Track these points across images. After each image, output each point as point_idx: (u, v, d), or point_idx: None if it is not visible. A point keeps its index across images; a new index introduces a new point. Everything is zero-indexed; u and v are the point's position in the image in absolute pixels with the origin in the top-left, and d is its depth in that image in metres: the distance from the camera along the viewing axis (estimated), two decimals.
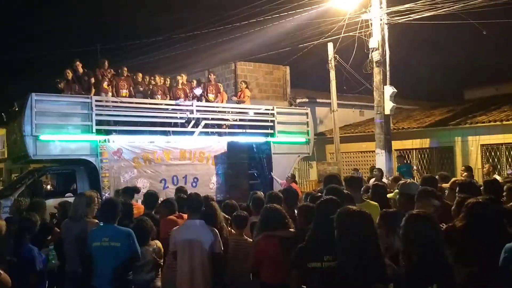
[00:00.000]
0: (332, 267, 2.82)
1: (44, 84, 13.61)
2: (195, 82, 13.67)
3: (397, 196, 5.59)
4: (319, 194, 6.07)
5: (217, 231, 5.02)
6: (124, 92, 12.05)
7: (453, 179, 7.57)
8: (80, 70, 11.77)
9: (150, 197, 6.73)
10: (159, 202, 6.79)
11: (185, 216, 5.61)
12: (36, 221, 5.15)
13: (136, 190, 7.95)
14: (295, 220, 4.64)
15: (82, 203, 5.27)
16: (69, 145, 10.75)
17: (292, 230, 4.34)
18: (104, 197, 10.30)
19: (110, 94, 11.80)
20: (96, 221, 5.34)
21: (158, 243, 5.38)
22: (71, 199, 6.82)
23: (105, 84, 11.74)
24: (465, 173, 9.34)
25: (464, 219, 3.71)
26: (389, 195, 6.63)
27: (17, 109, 11.20)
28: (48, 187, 14.41)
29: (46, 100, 10.66)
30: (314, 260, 3.41)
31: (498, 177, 9.93)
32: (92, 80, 11.61)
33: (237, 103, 14.05)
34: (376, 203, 5.64)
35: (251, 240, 4.99)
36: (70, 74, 11.58)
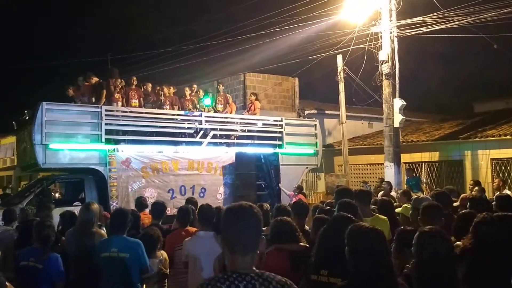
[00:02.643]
0: (342, 285, 2.78)
1: (55, 94, 13.72)
2: (201, 92, 13.74)
3: (410, 212, 5.50)
4: (328, 207, 6.03)
5: None
6: (134, 102, 12.13)
7: (462, 195, 7.45)
8: (93, 80, 11.89)
9: (158, 207, 6.68)
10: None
11: (191, 229, 5.57)
12: (52, 226, 5.15)
13: (145, 205, 7.99)
14: (304, 234, 4.60)
15: (92, 217, 5.21)
16: (78, 154, 10.81)
17: (302, 244, 4.29)
18: (112, 207, 10.35)
19: (120, 104, 11.88)
20: (103, 231, 5.32)
21: (164, 254, 5.35)
22: (77, 209, 6.81)
23: (116, 94, 11.83)
24: (476, 188, 9.23)
25: (472, 238, 3.62)
26: (397, 210, 6.54)
27: (27, 117, 11.29)
28: (57, 195, 14.44)
29: (57, 109, 10.72)
30: (313, 272, 3.39)
31: (508, 192, 9.83)
32: (104, 91, 11.69)
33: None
34: (385, 217, 5.58)
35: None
36: (83, 83, 11.72)
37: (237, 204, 2.35)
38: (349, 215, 3.71)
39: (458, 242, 3.84)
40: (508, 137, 13.83)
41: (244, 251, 2.18)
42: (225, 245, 2.24)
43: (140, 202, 8.03)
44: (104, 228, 5.61)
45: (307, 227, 5.24)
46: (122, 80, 12.24)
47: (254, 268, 2.17)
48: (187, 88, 13.46)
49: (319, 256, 3.44)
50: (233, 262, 2.19)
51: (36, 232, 4.92)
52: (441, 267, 2.81)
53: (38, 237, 4.85)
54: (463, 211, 4.94)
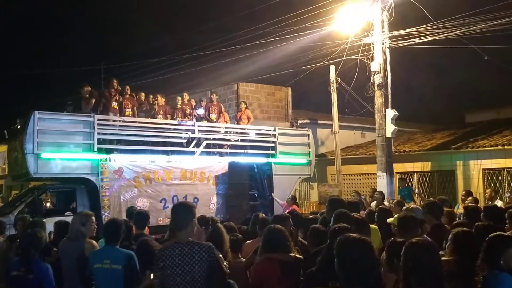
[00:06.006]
0: None
1: (47, 103, 13.66)
2: (194, 101, 13.73)
3: None
4: (310, 216, 6.04)
5: (221, 256, 4.89)
6: (128, 111, 12.10)
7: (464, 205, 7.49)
8: (86, 90, 11.88)
9: (141, 217, 6.58)
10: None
11: None
12: (42, 237, 5.10)
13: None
14: (300, 245, 4.60)
15: (78, 223, 5.20)
16: (70, 164, 10.74)
17: (292, 254, 4.25)
18: (104, 217, 10.27)
19: (119, 114, 11.84)
20: (94, 242, 5.26)
21: None
22: (68, 218, 6.77)
23: (113, 104, 11.78)
24: (470, 198, 9.25)
25: (452, 252, 3.61)
26: (389, 220, 6.54)
27: (19, 126, 11.22)
28: (48, 205, 14.31)
29: (49, 118, 10.68)
30: (319, 285, 3.36)
31: (500, 202, 9.88)
32: (93, 100, 11.62)
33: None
34: (375, 226, 5.62)
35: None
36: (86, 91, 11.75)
37: (178, 202, 4.07)
38: (347, 226, 3.70)
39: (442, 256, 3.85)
40: (499, 147, 13.93)
41: (179, 228, 3.63)
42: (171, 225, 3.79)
43: (131, 212, 7.95)
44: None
45: (300, 238, 5.23)
46: (119, 88, 12.18)
47: (190, 239, 3.61)
48: (178, 98, 13.46)
49: (326, 268, 3.39)
50: (175, 236, 3.67)
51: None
52: (426, 278, 2.79)
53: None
54: (456, 222, 4.97)
